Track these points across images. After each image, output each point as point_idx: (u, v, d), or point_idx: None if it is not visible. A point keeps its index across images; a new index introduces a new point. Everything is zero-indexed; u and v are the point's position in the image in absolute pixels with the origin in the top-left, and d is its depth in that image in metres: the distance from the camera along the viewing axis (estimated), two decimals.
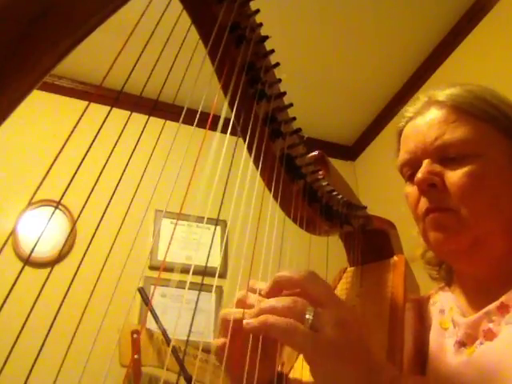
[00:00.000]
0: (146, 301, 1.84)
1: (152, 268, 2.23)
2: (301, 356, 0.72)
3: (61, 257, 2.09)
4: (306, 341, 0.48)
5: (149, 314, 1.90)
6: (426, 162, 0.70)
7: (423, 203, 0.70)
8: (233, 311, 0.55)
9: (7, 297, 0.34)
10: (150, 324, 1.86)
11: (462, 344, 0.66)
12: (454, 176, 0.68)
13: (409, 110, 0.78)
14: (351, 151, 3.12)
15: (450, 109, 0.71)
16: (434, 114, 0.73)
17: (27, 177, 2.19)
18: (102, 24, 0.39)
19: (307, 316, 0.49)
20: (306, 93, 2.63)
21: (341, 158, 3.01)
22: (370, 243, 0.91)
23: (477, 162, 0.68)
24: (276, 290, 0.55)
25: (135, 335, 1.75)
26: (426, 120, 0.73)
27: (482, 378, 0.59)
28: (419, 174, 0.69)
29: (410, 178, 0.75)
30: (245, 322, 0.51)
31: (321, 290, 0.53)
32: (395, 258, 0.88)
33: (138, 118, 0.52)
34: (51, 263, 2.05)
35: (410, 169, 0.74)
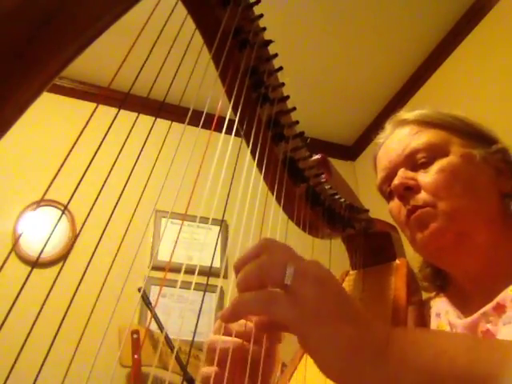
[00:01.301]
0: (147, 302, 1.84)
1: (153, 268, 2.23)
2: (304, 357, 0.72)
3: (62, 257, 2.09)
4: (289, 310, 0.42)
5: (149, 313, 1.90)
6: (400, 171, 0.76)
7: (403, 209, 0.75)
8: (220, 339, 0.52)
9: (15, 300, 0.34)
10: (150, 324, 1.86)
11: None
12: (427, 176, 0.73)
13: (379, 137, 0.86)
14: (351, 151, 3.12)
15: (412, 124, 0.79)
16: (400, 132, 0.80)
17: (28, 177, 2.19)
18: (108, 28, 0.39)
19: (287, 272, 0.43)
20: (306, 93, 2.63)
21: (341, 158, 3.01)
22: (373, 246, 0.91)
23: (444, 160, 0.73)
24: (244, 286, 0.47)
25: (135, 335, 1.75)
26: (393, 139, 0.81)
27: None
28: (395, 181, 0.75)
29: (389, 195, 0.80)
30: (220, 314, 0.46)
31: (284, 252, 0.46)
32: (397, 261, 0.88)
33: (145, 120, 0.53)
34: (52, 264, 2.05)
35: (388, 185, 0.79)
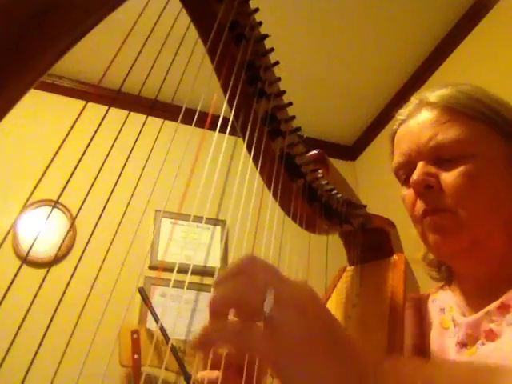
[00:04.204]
0: (146, 300, 1.84)
1: (151, 268, 2.23)
2: None
3: (60, 257, 2.09)
4: (265, 343, 0.38)
5: (148, 314, 1.90)
6: (420, 164, 0.70)
7: (420, 205, 0.70)
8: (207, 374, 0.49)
9: (4, 296, 0.34)
10: (150, 324, 1.86)
11: (463, 345, 0.66)
12: (450, 177, 0.67)
13: (401, 112, 0.78)
14: (351, 151, 3.12)
15: (442, 109, 0.71)
16: (426, 115, 0.72)
17: (27, 177, 2.19)
18: (100, 22, 0.39)
19: (266, 299, 0.39)
20: (306, 93, 2.63)
21: (341, 158, 3.01)
22: (370, 242, 0.91)
23: (472, 162, 0.67)
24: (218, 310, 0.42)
25: (135, 335, 1.75)
26: (418, 122, 0.73)
27: None
28: (414, 176, 0.69)
29: (405, 181, 0.74)
30: (191, 341, 0.41)
31: (266, 274, 0.42)
32: (395, 256, 0.88)
33: (137, 118, 0.52)
34: (51, 263, 2.05)
35: (405, 172, 0.74)
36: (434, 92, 0.75)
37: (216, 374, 0.48)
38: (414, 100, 0.77)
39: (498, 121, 0.71)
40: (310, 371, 0.38)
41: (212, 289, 0.43)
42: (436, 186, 0.68)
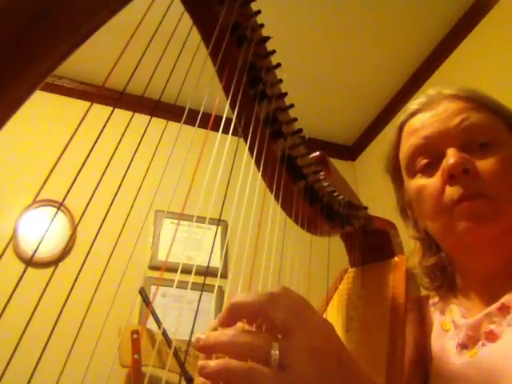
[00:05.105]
0: (147, 301, 1.84)
1: (152, 268, 2.23)
2: None
3: (61, 257, 2.09)
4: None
5: (149, 314, 1.90)
6: (452, 150, 0.66)
7: (453, 192, 0.65)
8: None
9: (9, 300, 0.34)
10: (151, 324, 1.86)
11: (463, 346, 0.66)
12: (487, 163, 0.65)
13: (415, 102, 0.75)
14: (351, 151, 3.12)
15: (466, 99, 0.70)
16: (450, 105, 0.70)
17: (27, 177, 2.19)
18: (103, 25, 0.39)
19: (273, 352, 0.39)
20: (306, 93, 2.63)
21: (341, 158, 3.01)
22: (371, 244, 0.91)
23: (504, 150, 0.66)
24: (232, 319, 0.44)
25: (135, 335, 1.75)
26: (440, 111, 0.70)
27: (486, 380, 0.58)
28: (451, 160, 0.65)
29: (424, 169, 0.70)
30: (201, 364, 0.41)
31: (283, 315, 0.41)
32: (396, 258, 0.88)
33: (140, 119, 0.53)
34: (51, 264, 2.05)
35: (425, 157, 0.70)
36: (447, 88, 0.73)
37: None
38: (430, 92, 0.75)
39: (509, 118, 0.71)
40: None
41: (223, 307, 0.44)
42: (473, 171, 0.65)
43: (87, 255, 0.43)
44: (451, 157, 0.65)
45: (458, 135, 0.67)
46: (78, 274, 0.42)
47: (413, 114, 0.74)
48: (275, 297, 0.42)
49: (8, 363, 0.33)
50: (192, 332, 0.48)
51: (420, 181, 0.71)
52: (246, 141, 0.62)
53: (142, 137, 0.49)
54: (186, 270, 0.61)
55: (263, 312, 0.42)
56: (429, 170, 0.69)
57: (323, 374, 0.39)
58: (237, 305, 0.43)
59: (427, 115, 0.72)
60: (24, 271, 0.37)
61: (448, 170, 0.65)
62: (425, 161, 0.70)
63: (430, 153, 0.69)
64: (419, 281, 0.80)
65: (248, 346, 0.40)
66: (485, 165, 0.65)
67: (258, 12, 0.60)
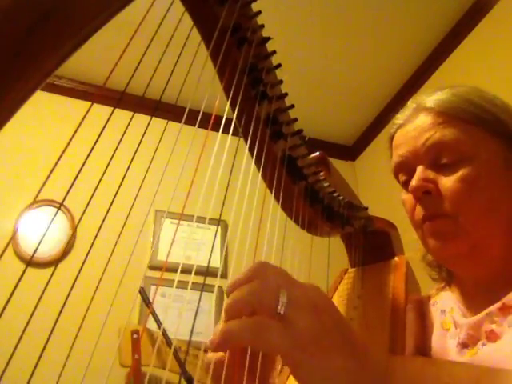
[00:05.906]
0: (147, 301, 1.84)
1: (152, 268, 2.23)
2: None
3: (61, 257, 2.09)
4: (282, 339, 0.40)
5: (149, 314, 1.90)
6: (419, 169, 0.69)
7: (419, 211, 0.70)
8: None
9: (9, 299, 0.34)
10: (151, 324, 1.86)
11: (464, 345, 0.66)
12: (448, 182, 0.67)
13: (399, 117, 0.78)
14: (351, 151, 3.12)
15: (437, 114, 0.71)
16: (423, 119, 0.72)
17: (27, 177, 2.19)
18: (104, 26, 0.39)
19: (280, 299, 0.41)
20: (307, 93, 2.63)
21: (341, 158, 3.01)
22: (371, 244, 0.91)
23: (470, 166, 0.67)
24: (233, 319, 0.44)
25: (135, 335, 1.75)
26: (415, 126, 0.73)
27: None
28: (413, 182, 0.69)
29: (404, 185, 0.74)
30: (208, 342, 0.43)
31: (278, 277, 0.43)
32: (396, 258, 0.88)
33: (141, 119, 0.53)
34: (51, 264, 2.05)
35: (403, 175, 0.74)
36: (430, 96, 0.75)
37: (221, 354, 0.48)
38: (410, 104, 0.78)
39: (494, 123, 0.70)
40: (325, 366, 0.40)
41: (225, 295, 0.46)
42: (434, 191, 0.68)
43: (87, 255, 0.43)
44: (414, 179, 0.69)
45: (424, 152, 0.70)
46: (78, 274, 0.42)
47: (397, 129, 0.77)
48: (262, 266, 0.45)
49: (8, 363, 0.33)
50: (192, 332, 0.48)
51: (403, 195, 0.75)
52: (246, 141, 0.62)
53: (143, 137, 0.49)
54: (186, 270, 0.61)
55: (258, 298, 0.43)
56: (407, 186, 0.72)
57: (325, 327, 0.41)
58: (231, 306, 0.44)
59: (405, 130, 0.74)
60: (24, 271, 0.37)
61: (410, 192, 0.70)
62: (404, 177, 0.74)
63: (406, 170, 0.73)
64: (428, 273, 0.81)
65: (253, 296, 0.42)
66: (446, 183, 0.67)
67: (259, 13, 0.60)
